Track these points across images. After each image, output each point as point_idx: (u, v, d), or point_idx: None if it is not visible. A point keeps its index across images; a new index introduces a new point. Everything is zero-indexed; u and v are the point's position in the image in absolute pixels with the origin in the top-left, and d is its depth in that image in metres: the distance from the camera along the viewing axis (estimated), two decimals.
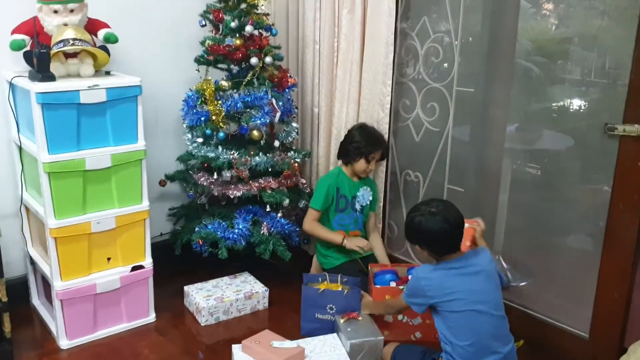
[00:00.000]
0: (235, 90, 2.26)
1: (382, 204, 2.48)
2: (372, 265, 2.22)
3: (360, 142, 2.25)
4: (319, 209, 2.31)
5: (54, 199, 1.90)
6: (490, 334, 1.64)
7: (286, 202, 2.31)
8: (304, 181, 2.52)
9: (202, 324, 2.20)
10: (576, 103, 2.02)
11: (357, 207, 2.35)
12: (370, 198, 2.37)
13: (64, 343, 2.02)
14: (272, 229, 2.30)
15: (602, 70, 1.93)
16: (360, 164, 2.28)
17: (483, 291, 1.65)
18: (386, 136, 2.33)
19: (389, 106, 2.27)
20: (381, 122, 2.31)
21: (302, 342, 1.91)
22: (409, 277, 2.17)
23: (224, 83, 2.27)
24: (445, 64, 2.27)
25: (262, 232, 2.28)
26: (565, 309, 2.09)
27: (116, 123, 1.97)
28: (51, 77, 1.87)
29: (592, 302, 1.92)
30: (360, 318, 2.04)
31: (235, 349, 1.89)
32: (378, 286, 2.06)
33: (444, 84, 2.27)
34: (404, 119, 2.44)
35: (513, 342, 1.70)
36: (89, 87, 1.89)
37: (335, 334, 2.00)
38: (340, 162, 2.39)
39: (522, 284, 2.27)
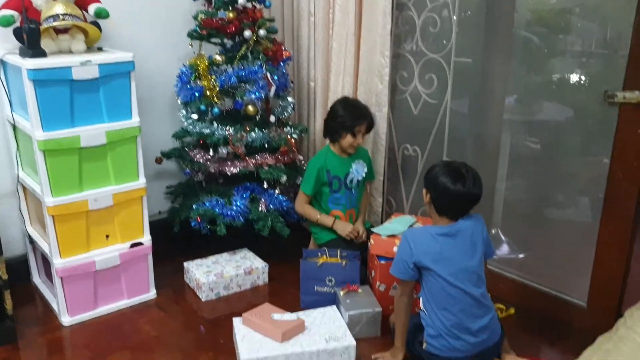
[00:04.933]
0: (229, 65, 2.23)
1: (381, 178, 2.44)
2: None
3: (344, 117, 2.19)
4: (310, 193, 2.28)
5: (50, 177, 1.90)
6: (467, 313, 1.64)
7: (283, 178, 2.30)
8: (301, 157, 2.50)
9: (202, 300, 2.21)
10: (576, 74, 1.99)
11: (353, 183, 2.31)
12: (366, 170, 2.33)
13: (66, 320, 2.04)
14: (270, 206, 2.30)
15: (602, 40, 1.90)
16: (347, 140, 2.21)
17: (466, 259, 1.65)
18: (385, 109, 2.29)
19: (387, 78, 2.23)
20: (380, 95, 2.27)
21: (302, 315, 1.92)
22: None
23: (218, 57, 2.24)
24: (444, 36, 2.23)
25: (260, 209, 2.28)
26: (564, 279, 2.09)
27: (110, 99, 1.95)
28: (42, 53, 1.84)
29: (590, 272, 1.93)
30: (360, 290, 2.05)
31: (236, 322, 1.91)
32: (382, 262, 2.06)
33: (441, 55, 2.23)
34: (401, 91, 2.41)
35: (493, 310, 1.70)
36: (81, 63, 1.86)
37: (334, 306, 2.01)
38: (327, 141, 2.32)
39: (520, 255, 2.27)
